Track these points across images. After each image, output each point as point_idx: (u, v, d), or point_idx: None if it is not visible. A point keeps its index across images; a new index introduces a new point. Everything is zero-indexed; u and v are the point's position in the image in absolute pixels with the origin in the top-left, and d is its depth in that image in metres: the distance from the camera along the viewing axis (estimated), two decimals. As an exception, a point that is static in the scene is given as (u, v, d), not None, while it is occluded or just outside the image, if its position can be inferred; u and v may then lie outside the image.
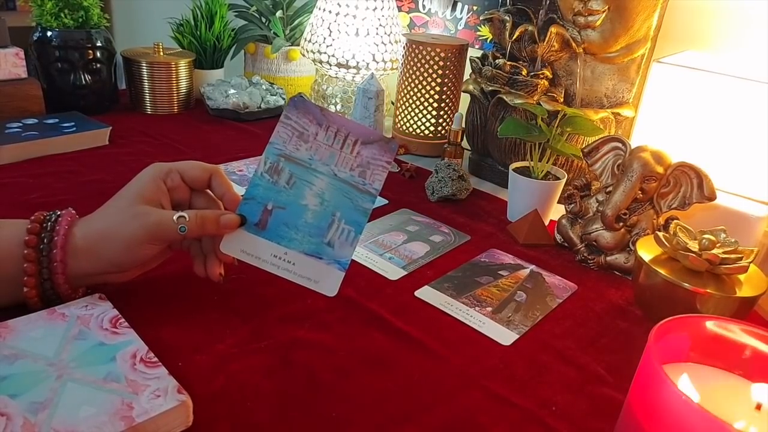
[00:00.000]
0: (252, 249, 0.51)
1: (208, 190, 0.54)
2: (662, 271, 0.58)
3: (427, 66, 0.99)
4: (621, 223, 0.69)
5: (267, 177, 0.51)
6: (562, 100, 0.86)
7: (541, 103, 0.83)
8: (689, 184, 0.67)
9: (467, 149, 0.98)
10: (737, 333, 0.40)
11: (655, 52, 0.85)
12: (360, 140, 0.51)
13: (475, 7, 1.15)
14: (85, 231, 0.49)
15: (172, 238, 0.49)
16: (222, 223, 0.50)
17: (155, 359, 0.43)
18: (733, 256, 0.57)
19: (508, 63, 0.87)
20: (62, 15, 0.96)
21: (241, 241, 0.51)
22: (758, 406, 0.36)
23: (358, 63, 1.08)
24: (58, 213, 0.50)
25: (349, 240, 0.51)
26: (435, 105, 1.01)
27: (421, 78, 1.00)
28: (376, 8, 1.08)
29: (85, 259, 0.48)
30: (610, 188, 0.70)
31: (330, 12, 1.08)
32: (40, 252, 0.47)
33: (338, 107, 1.17)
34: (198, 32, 1.19)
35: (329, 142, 0.51)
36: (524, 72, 0.86)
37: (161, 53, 1.10)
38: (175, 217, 0.48)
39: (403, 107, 1.04)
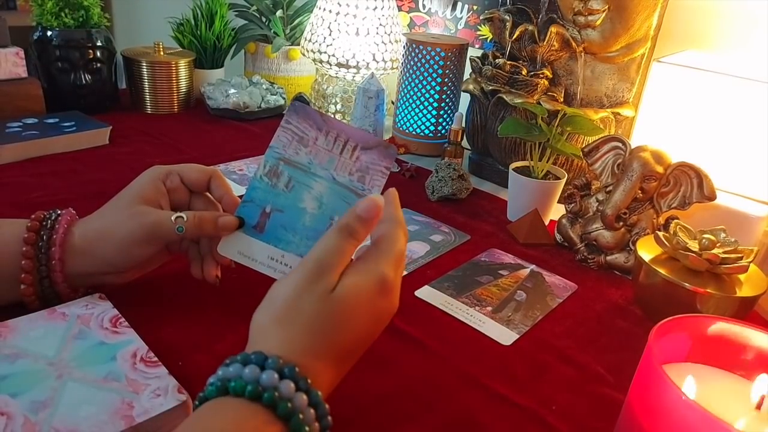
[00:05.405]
0: (249, 251, 0.51)
1: (207, 193, 0.54)
2: (662, 271, 0.58)
3: (427, 66, 0.99)
4: (621, 223, 0.69)
5: (266, 180, 0.51)
6: (562, 99, 0.86)
7: (541, 103, 0.83)
8: (689, 183, 0.67)
9: (467, 149, 0.98)
10: (737, 333, 0.40)
11: (655, 51, 0.85)
12: (360, 145, 0.51)
13: (475, 7, 1.15)
14: (83, 230, 0.49)
15: (169, 238, 0.49)
16: (220, 224, 0.50)
17: (155, 359, 0.43)
18: (733, 255, 0.57)
19: (508, 62, 0.87)
20: (63, 14, 0.96)
21: (239, 243, 0.50)
22: (758, 406, 0.36)
23: (358, 62, 1.08)
24: (59, 212, 0.50)
25: None
26: (435, 105, 1.01)
27: (421, 78, 1.00)
28: (376, 8, 1.08)
29: (83, 258, 0.48)
30: (610, 188, 0.70)
31: (330, 11, 1.08)
32: (38, 249, 0.47)
33: (338, 107, 1.17)
34: (198, 32, 1.19)
35: (329, 147, 0.51)
36: (524, 71, 0.86)
37: (161, 53, 1.10)
38: (173, 218, 0.48)
39: (403, 107, 1.04)
